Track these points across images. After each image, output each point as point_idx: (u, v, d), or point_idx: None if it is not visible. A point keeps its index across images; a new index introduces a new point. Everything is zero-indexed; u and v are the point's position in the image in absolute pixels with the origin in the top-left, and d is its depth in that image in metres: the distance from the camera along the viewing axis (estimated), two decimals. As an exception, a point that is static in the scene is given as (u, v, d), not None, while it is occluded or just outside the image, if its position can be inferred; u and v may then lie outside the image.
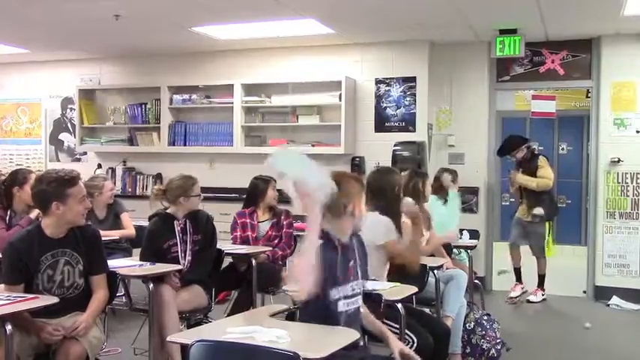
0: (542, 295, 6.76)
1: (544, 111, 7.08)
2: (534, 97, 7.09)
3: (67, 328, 3.21)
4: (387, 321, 3.34)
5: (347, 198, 2.83)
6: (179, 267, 4.24)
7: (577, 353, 5.10)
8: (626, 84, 6.75)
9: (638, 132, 6.72)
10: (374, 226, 3.76)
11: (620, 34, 6.67)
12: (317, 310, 2.71)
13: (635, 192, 6.73)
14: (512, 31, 6.48)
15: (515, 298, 6.74)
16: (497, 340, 4.49)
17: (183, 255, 4.33)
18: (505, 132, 7.41)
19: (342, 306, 2.79)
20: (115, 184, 8.14)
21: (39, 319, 3.19)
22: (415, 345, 3.48)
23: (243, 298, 4.95)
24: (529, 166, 6.77)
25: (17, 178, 4.91)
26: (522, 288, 6.83)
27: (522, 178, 6.78)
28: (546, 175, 6.68)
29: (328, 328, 2.74)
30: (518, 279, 6.87)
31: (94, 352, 3.31)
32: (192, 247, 4.36)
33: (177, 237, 4.33)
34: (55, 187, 3.26)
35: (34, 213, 4.63)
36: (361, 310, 2.98)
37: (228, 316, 4.61)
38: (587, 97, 7.13)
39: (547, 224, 6.78)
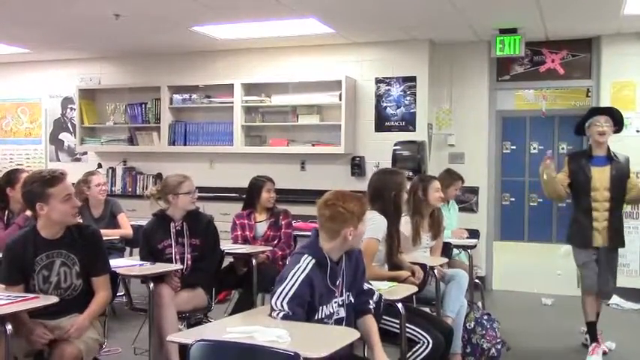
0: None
1: (545, 110, 7.14)
2: (544, 97, 7.14)
3: (61, 330, 3.18)
4: (388, 318, 3.32)
5: (342, 223, 2.81)
6: (179, 267, 4.20)
7: (577, 353, 5.09)
8: (626, 83, 6.74)
9: (638, 131, 6.71)
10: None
11: (620, 33, 6.67)
12: None
13: (636, 191, 6.70)
14: (513, 31, 6.48)
15: None
16: (498, 340, 4.48)
17: (178, 257, 4.26)
18: (505, 132, 7.40)
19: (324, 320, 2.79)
20: (115, 183, 8.19)
21: (39, 320, 3.17)
22: (430, 346, 3.46)
23: (245, 299, 4.92)
24: (621, 167, 4.94)
25: (10, 178, 4.91)
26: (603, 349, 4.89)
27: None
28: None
29: (328, 328, 2.75)
30: (595, 337, 4.84)
31: (90, 353, 3.27)
32: (192, 252, 4.28)
33: (172, 238, 4.27)
34: (37, 188, 3.24)
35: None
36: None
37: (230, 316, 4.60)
38: (588, 96, 7.12)
39: None
